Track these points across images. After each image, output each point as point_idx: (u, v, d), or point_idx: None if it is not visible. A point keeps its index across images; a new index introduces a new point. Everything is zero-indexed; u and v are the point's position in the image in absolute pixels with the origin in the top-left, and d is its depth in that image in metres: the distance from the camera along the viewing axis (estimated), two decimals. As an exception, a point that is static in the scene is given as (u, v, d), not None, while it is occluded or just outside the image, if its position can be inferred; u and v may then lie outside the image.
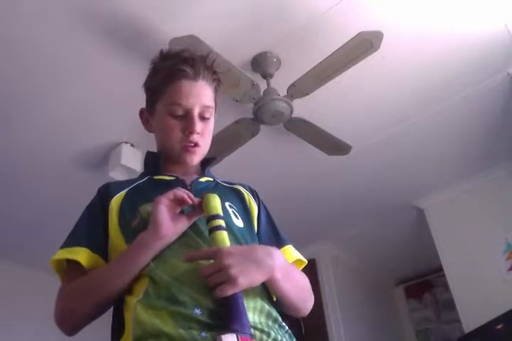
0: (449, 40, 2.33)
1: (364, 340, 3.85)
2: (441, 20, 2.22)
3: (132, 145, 2.71)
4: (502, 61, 2.47)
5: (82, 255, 0.88)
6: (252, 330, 0.75)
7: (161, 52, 1.06)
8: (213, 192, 0.93)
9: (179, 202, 0.87)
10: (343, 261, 4.21)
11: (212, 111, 1.06)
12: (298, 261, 1.05)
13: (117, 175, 2.67)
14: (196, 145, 1.02)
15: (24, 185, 2.97)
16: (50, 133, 2.61)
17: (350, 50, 2.04)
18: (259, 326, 0.78)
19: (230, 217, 0.96)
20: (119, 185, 1.01)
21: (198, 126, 1.01)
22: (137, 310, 0.78)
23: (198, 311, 0.75)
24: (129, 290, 0.84)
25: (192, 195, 0.88)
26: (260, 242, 1.00)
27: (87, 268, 0.87)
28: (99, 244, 0.92)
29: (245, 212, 1.03)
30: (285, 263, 0.87)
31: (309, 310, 1.01)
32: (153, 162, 1.07)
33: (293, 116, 2.33)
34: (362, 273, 4.45)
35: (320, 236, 3.95)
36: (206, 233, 0.86)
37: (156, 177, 1.04)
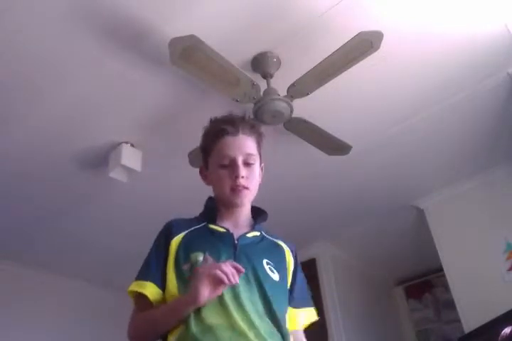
0: (449, 40, 2.33)
1: (364, 340, 3.85)
2: (441, 20, 2.22)
3: (132, 145, 2.71)
4: (502, 61, 2.47)
5: (149, 290, 1.08)
6: None
7: (210, 119, 1.27)
8: (256, 249, 1.16)
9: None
10: (343, 261, 4.21)
11: (256, 158, 1.23)
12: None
13: (117, 175, 2.67)
14: (244, 187, 1.18)
15: (24, 184, 2.98)
16: (50, 133, 2.61)
17: (350, 50, 2.04)
18: None
19: (266, 272, 1.12)
20: (181, 225, 1.19)
21: (243, 171, 1.18)
22: None
23: None
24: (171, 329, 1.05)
25: (233, 270, 0.98)
26: (292, 295, 1.18)
27: (153, 301, 1.08)
28: (163, 281, 1.10)
29: (282, 267, 1.18)
30: None
31: None
32: (211, 209, 1.23)
33: (293, 116, 2.33)
34: (362, 273, 4.45)
35: (320, 236, 3.95)
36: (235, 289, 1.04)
37: (210, 225, 1.19)
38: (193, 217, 1.25)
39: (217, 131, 1.23)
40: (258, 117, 2.28)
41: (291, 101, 2.26)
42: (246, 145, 1.22)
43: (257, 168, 1.24)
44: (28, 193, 3.06)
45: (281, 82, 2.26)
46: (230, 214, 1.22)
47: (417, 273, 4.65)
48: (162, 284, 1.10)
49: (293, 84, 2.21)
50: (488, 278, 3.05)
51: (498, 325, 2.50)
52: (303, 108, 2.36)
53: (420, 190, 3.51)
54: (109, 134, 2.66)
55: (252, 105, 2.26)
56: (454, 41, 2.34)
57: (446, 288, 3.61)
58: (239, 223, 1.22)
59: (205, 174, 1.28)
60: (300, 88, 2.22)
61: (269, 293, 1.08)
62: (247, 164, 1.20)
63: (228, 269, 0.96)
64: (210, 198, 1.27)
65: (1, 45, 2.08)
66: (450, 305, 3.48)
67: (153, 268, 1.13)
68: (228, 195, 1.19)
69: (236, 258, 1.09)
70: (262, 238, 1.23)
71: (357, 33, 1.99)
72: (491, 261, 3.10)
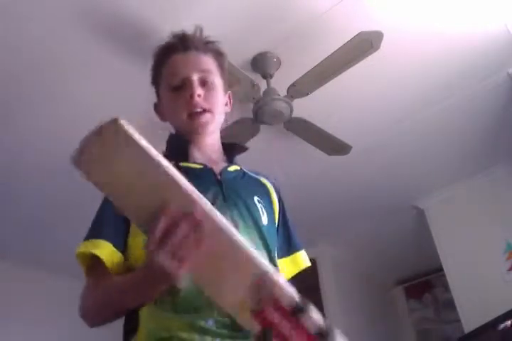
0: (449, 40, 2.33)
1: (364, 340, 3.85)
2: (441, 20, 2.22)
3: (132, 145, 2.70)
4: (502, 61, 2.47)
5: (104, 251, 0.83)
6: None
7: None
8: (242, 185, 0.93)
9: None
10: (343, 261, 4.21)
11: (215, 77, 1.01)
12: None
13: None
14: (203, 110, 0.96)
15: (24, 185, 2.97)
16: (50, 133, 2.61)
17: (350, 50, 2.04)
18: None
19: (259, 213, 0.93)
20: None
21: (198, 89, 0.96)
22: (152, 315, 0.77)
23: (210, 322, 0.76)
24: None
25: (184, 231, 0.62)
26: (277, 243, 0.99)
27: (109, 266, 0.83)
28: (122, 240, 0.86)
29: (270, 207, 1.00)
30: None
31: None
32: (178, 146, 0.99)
33: (293, 116, 2.33)
34: (362, 273, 4.44)
35: (320, 236, 3.94)
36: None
37: (182, 164, 0.93)
38: None
39: (164, 50, 1.02)
40: (258, 117, 2.28)
41: (291, 101, 2.26)
42: (200, 61, 1.01)
43: (218, 89, 1.01)
44: (27, 193, 3.05)
45: (281, 82, 2.26)
46: (199, 149, 0.99)
47: (417, 273, 4.64)
48: (122, 245, 0.85)
49: (293, 84, 2.21)
50: (488, 278, 3.05)
51: (498, 325, 2.50)
52: (303, 108, 2.36)
53: (420, 190, 3.51)
54: (109, 134, 2.65)
55: (252, 105, 2.26)
56: (454, 41, 2.34)
57: (446, 288, 3.61)
58: (212, 158, 0.99)
59: (160, 110, 1.06)
60: (300, 88, 2.22)
61: (266, 237, 0.90)
62: (204, 83, 0.98)
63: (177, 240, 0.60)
64: (172, 134, 1.04)
65: (1, 45, 2.08)
66: (450, 305, 3.48)
67: (108, 224, 0.87)
68: (186, 122, 0.96)
69: (225, 196, 0.88)
70: (244, 173, 1.03)
71: (357, 33, 1.99)
72: (491, 261, 3.10)
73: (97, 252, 0.82)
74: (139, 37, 2.11)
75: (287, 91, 2.24)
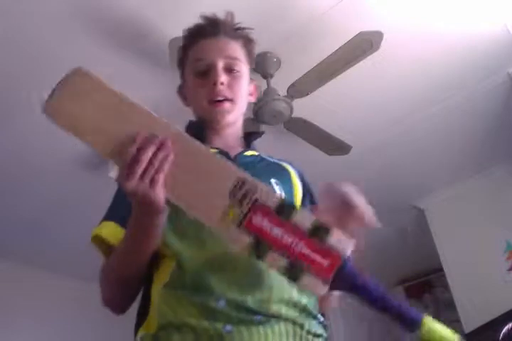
0: (449, 40, 2.33)
1: (364, 340, 3.85)
2: (441, 20, 2.22)
3: (132, 145, 2.70)
4: (502, 61, 2.47)
5: (106, 229, 0.82)
6: (283, 323, 0.75)
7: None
8: (259, 168, 0.91)
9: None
10: (343, 261, 4.20)
11: (242, 65, 0.99)
12: None
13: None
14: (226, 99, 0.94)
15: (24, 184, 2.97)
16: (51, 133, 2.60)
17: (350, 50, 2.04)
18: (290, 317, 0.77)
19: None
20: None
21: (223, 76, 0.94)
22: (162, 297, 0.76)
23: (222, 303, 0.72)
24: (157, 272, 0.81)
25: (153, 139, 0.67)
26: None
27: (114, 242, 0.80)
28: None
29: (289, 190, 0.96)
30: None
31: None
32: (195, 132, 0.92)
33: (293, 116, 2.33)
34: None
35: (320, 236, 3.95)
36: None
37: None
38: None
39: (193, 32, 1.01)
40: (258, 117, 2.28)
41: (291, 101, 2.26)
42: (228, 47, 0.99)
43: (243, 77, 0.99)
44: (28, 193, 3.05)
45: (281, 82, 2.26)
46: (217, 137, 0.98)
47: (417, 273, 4.64)
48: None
49: (293, 84, 2.21)
50: (488, 278, 3.05)
51: (498, 325, 2.50)
52: (303, 108, 2.36)
53: (420, 190, 3.51)
54: (109, 134, 2.65)
55: (252, 105, 2.26)
56: (454, 41, 2.34)
57: (446, 288, 3.61)
58: (230, 144, 0.98)
59: (183, 94, 1.04)
60: (300, 88, 2.22)
61: None
62: (230, 70, 0.96)
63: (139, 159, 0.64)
64: (191, 122, 1.02)
65: (1, 45, 2.08)
66: (450, 305, 3.48)
67: (115, 206, 0.89)
68: (206, 109, 0.95)
69: None
70: (261, 158, 1.02)
71: (357, 33, 1.99)
72: (491, 261, 3.10)
73: (98, 232, 0.82)
74: (139, 37, 2.11)
75: (287, 92, 2.24)
